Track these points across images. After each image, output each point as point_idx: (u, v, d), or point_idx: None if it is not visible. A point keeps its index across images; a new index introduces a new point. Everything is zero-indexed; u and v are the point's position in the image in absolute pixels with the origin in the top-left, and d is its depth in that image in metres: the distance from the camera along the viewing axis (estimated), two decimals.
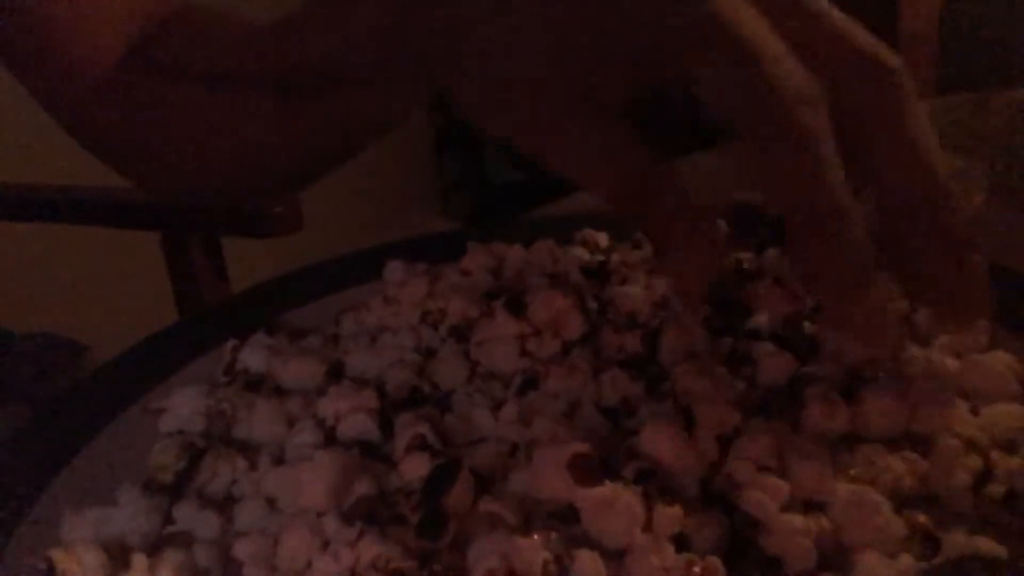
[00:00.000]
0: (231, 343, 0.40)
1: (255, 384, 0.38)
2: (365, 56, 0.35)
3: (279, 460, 0.33)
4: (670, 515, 0.26)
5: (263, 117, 0.41)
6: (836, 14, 0.28)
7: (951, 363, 0.33)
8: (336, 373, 0.38)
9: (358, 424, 0.32)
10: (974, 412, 0.31)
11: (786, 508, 0.26)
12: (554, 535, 0.26)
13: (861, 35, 0.28)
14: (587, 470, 0.27)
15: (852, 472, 0.28)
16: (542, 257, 0.44)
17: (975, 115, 0.75)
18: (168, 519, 0.31)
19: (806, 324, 0.36)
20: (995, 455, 0.29)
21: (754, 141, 0.25)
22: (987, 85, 0.83)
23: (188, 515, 0.31)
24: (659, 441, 0.28)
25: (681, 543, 0.26)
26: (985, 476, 0.28)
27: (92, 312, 1.22)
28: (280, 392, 0.37)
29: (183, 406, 0.36)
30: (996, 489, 0.28)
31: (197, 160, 0.45)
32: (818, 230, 0.25)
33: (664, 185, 0.29)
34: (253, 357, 0.39)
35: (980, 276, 0.28)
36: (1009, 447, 0.30)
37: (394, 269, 0.44)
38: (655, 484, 0.27)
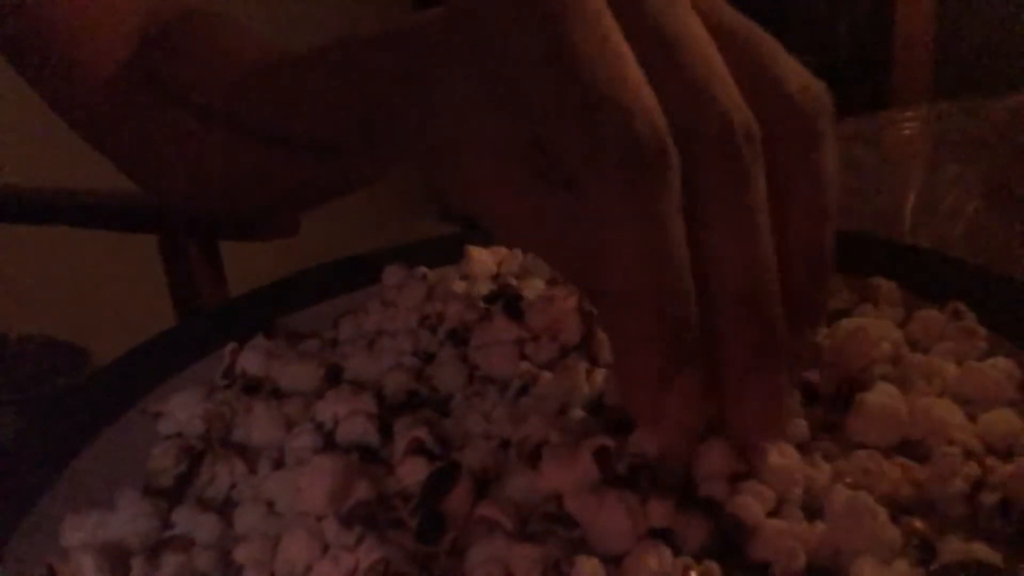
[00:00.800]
0: (230, 346, 0.40)
1: (254, 387, 0.38)
2: (330, 127, 0.35)
3: (278, 464, 0.33)
4: (663, 508, 0.26)
5: (248, 157, 0.41)
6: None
7: (951, 369, 0.33)
8: (334, 377, 0.38)
9: (357, 428, 0.33)
10: (971, 419, 0.31)
11: (774, 512, 0.27)
12: (552, 540, 0.26)
13: (792, 74, 0.25)
14: (609, 462, 0.27)
15: (848, 479, 0.28)
16: (540, 262, 0.44)
17: (970, 120, 0.75)
18: (167, 523, 0.31)
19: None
20: (991, 462, 0.29)
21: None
22: (982, 90, 0.83)
23: (187, 519, 0.31)
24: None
25: (674, 547, 0.26)
26: (980, 483, 0.28)
27: (90, 314, 1.22)
28: (279, 395, 0.37)
29: (182, 409, 0.36)
30: (990, 497, 0.28)
31: (188, 179, 0.45)
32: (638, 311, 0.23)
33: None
34: (252, 360, 0.39)
35: (777, 398, 0.25)
36: (1004, 454, 0.30)
37: (393, 273, 0.44)
38: (647, 478, 0.27)
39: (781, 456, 0.28)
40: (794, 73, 0.26)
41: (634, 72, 0.23)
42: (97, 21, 0.45)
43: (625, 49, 0.23)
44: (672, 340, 0.23)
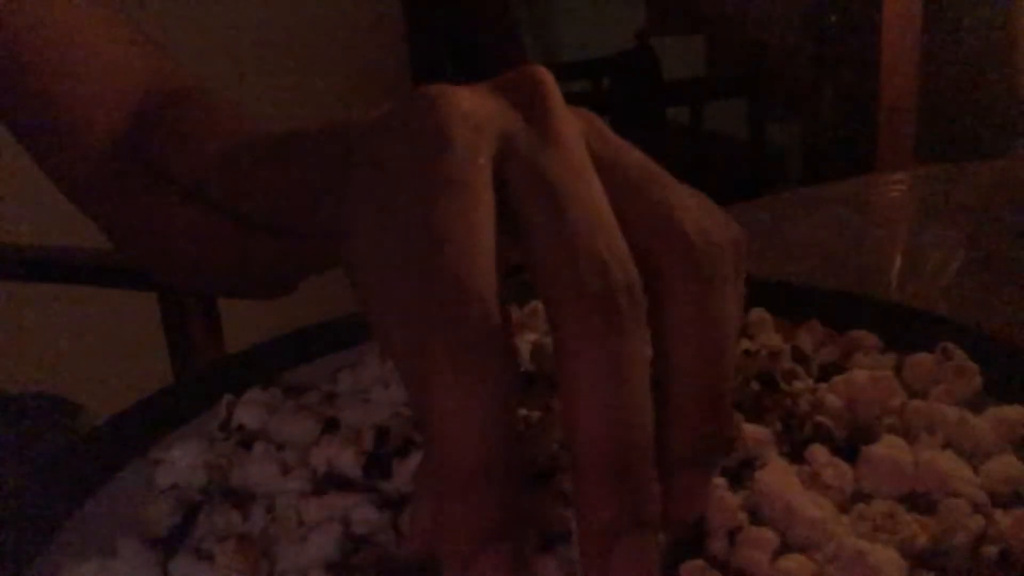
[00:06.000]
0: (227, 399, 0.41)
1: (251, 442, 0.39)
2: (281, 207, 0.36)
3: (271, 510, 0.33)
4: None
5: (219, 235, 0.42)
6: (674, 192, 0.26)
7: (952, 414, 0.34)
8: (331, 429, 0.39)
9: (347, 463, 0.33)
10: (975, 469, 0.32)
11: (778, 554, 0.27)
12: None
13: (689, 217, 0.25)
14: None
15: (862, 528, 0.29)
16: (535, 319, 0.45)
17: (951, 184, 0.77)
18: (166, 573, 0.31)
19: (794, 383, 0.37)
20: (997, 515, 0.29)
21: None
22: (963, 156, 0.86)
23: (184, 569, 0.31)
24: None
25: None
26: (983, 536, 0.29)
27: (86, 370, 1.22)
28: (277, 448, 0.38)
29: (181, 459, 0.37)
30: (990, 549, 0.28)
31: (166, 255, 0.47)
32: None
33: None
34: (249, 414, 0.40)
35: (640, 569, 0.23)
36: (1009, 501, 0.30)
37: None
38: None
39: (817, 508, 0.29)
40: (695, 215, 0.26)
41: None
42: (100, 96, 0.47)
43: (483, 217, 0.24)
44: (488, 512, 0.22)
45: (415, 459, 0.32)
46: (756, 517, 0.29)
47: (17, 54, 0.46)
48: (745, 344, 0.39)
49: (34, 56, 0.46)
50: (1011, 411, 0.34)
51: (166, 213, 0.44)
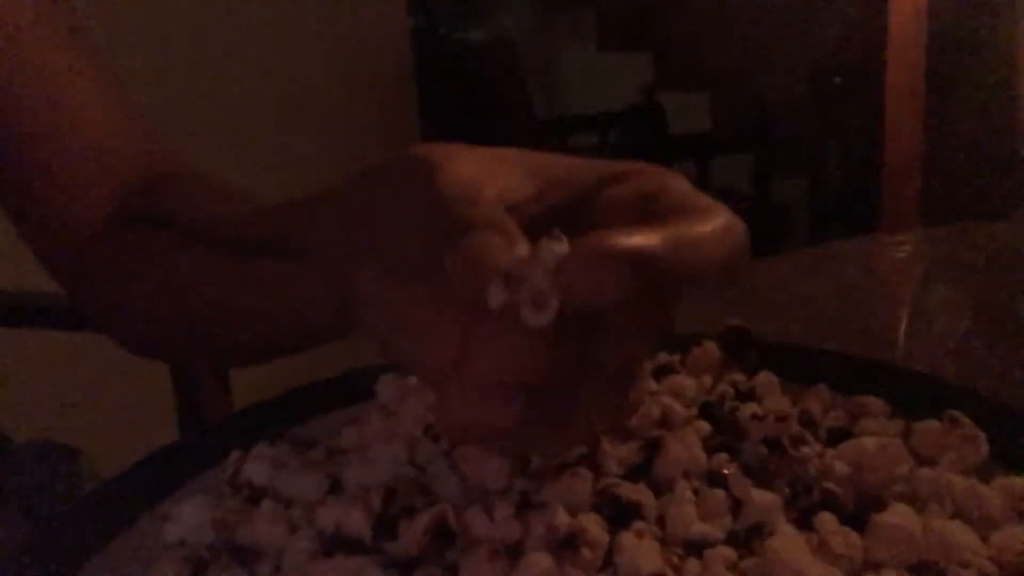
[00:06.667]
0: (234, 455, 0.41)
1: (258, 498, 0.39)
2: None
3: (277, 568, 0.33)
4: None
5: (223, 274, 0.43)
6: None
7: (960, 483, 0.34)
8: (338, 489, 0.39)
9: (356, 524, 0.33)
10: (983, 538, 0.32)
11: None
12: None
13: None
14: None
15: None
16: None
17: (958, 246, 0.78)
18: None
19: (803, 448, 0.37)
20: None
21: None
22: (968, 216, 0.86)
23: None
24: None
25: None
26: None
27: (91, 421, 1.22)
28: (285, 503, 0.38)
29: (189, 516, 0.37)
30: None
31: (176, 315, 0.47)
32: None
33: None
34: (257, 470, 0.40)
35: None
36: (1015, 572, 0.30)
37: (386, 383, 0.45)
38: None
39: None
40: None
41: None
42: (96, 168, 0.48)
43: None
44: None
45: (422, 520, 0.32)
46: None
47: (18, 124, 0.47)
48: (752, 408, 0.39)
49: (33, 127, 0.47)
50: (1019, 481, 0.34)
51: (174, 268, 0.45)
